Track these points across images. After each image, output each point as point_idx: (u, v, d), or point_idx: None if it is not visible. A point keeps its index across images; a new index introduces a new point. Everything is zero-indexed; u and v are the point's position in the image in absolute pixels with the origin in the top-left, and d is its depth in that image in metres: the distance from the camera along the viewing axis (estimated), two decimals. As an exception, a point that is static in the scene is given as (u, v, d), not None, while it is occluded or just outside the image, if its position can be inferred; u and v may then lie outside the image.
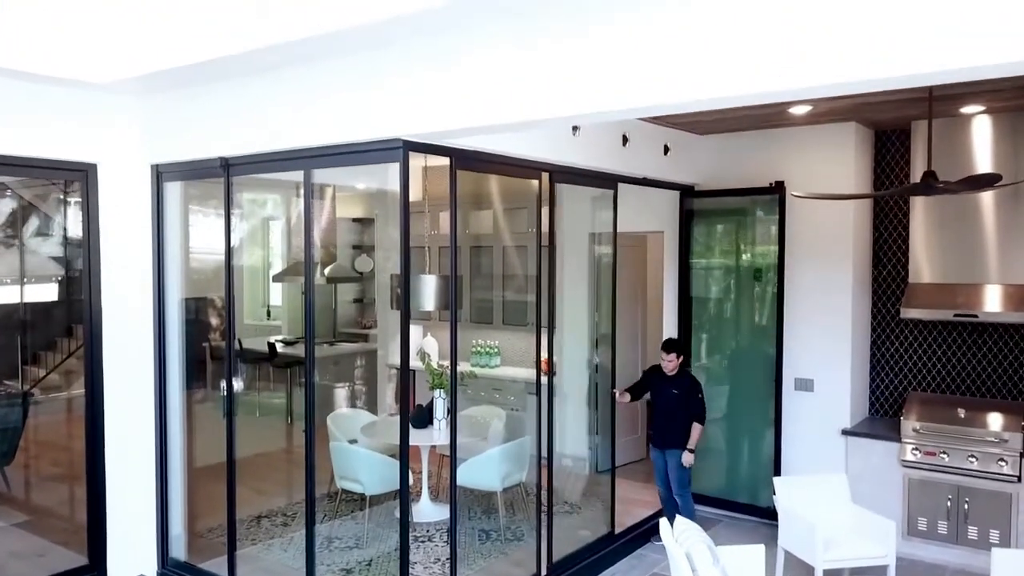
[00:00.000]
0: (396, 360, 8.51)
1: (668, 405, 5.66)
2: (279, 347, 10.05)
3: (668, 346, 5.72)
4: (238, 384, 10.02)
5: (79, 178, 4.88)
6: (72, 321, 10.45)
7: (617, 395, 5.88)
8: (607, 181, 5.53)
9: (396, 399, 8.89)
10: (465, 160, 4.22)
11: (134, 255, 5.10)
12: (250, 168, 4.56)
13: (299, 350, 10.19)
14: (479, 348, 8.23)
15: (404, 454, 4.20)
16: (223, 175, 4.65)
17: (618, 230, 7.05)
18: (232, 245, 4.85)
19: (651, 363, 6.14)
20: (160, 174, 5.01)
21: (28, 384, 9.85)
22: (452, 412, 4.84)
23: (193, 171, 4.88)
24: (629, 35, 2.98)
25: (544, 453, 5.23)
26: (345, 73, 3.91)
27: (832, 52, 2.55)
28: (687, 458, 5.58)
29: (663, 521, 4.33)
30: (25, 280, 9.84)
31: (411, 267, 4.27)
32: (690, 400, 5.59)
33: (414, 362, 8.60)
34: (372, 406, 8.98)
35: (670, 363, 5.62)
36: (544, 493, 5.22)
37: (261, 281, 11.88)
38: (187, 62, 4.01)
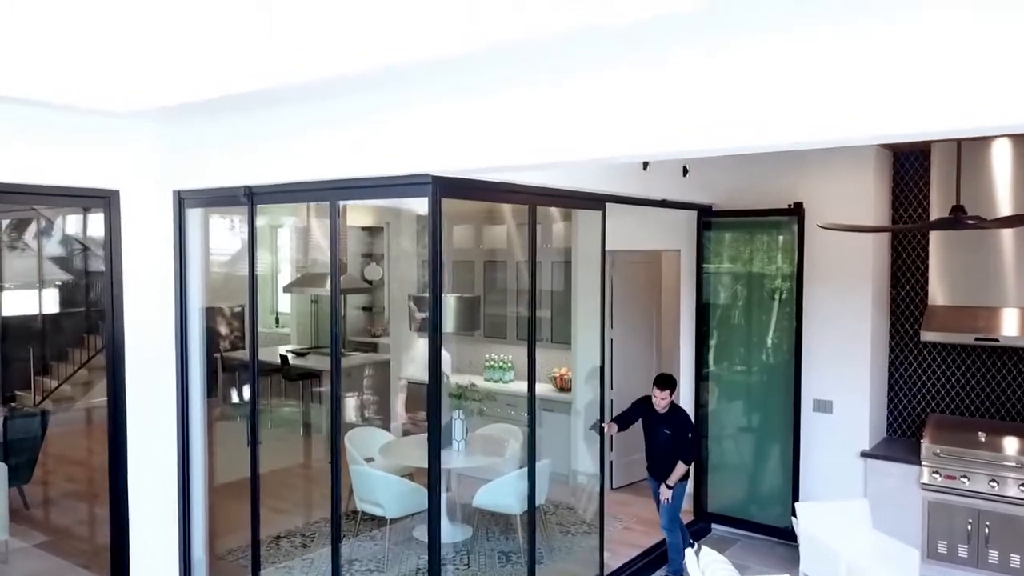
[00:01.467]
0: (410, 373, 8.61)
1: (659, 444, 5.56)
2: (290, 358, 10.06)
3: (662, 383, 5.50)
4: (248, 392, 10.06)
5: (101, 205, 4.87)
6: (82, 331, 10.46)
7: (606, 428, 5.65)
8: (593, 201, 5.25)
9: (405, 410, 8.90)
10: (475, 191, 4.20)
11: (156, 278, 5.08)
12: (275, 197, 4.56)
13: (310, 361, 10.21)
14: (493, 363, 8.24)
15: (435, 485, 4.17)
16: (247, 203, 4.64)
17: (634, 248, 7.09)
18: (255, 270, 4.84)
19: None
20: (182, 200, 5.00)
21: (39, 395, 9.87)
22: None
23: (216, 198, 4.87)
24: (657, 81, 2.97)
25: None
26: (374, 106, 3.89)
27: (881, 107, 2.55)
28: (664, 492, 5.47)
29: (689, 552, 4.34)
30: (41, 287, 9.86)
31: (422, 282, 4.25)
32: (678, 439, 5.50)
33: (426, 375, 8.62)
34: (384, 418, 8.97)
35: (663, 400, 5.46)
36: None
37: (269, 288, 11.89)
38: (211, 95, 4.00)
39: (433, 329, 4.03)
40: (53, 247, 10.22)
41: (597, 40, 3.03)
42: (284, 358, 9.60)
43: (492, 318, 8.19)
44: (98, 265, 10.44)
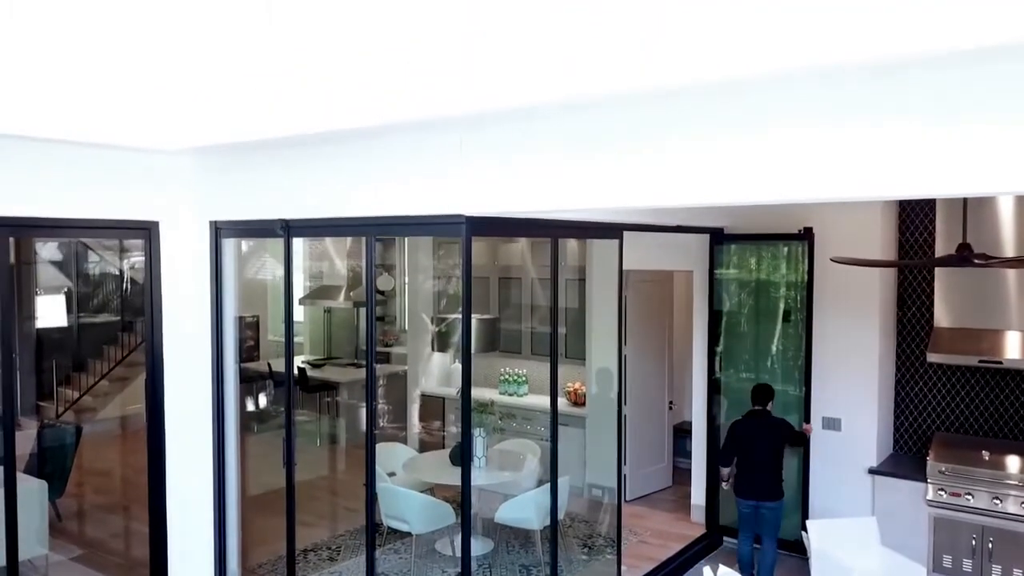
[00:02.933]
0: (426, 387, 8.82)
1: (757, 457, 5.82)
2: (305, 368, 10.27)
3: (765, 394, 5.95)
4: (264, 402, 10.27)
5: (143, 236, 5.09)
6: (101, 343, 10.67)
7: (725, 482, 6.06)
8: (611, 231, 5.46)
9: (420, 420, 9.11)
10: (502, 228, 4.41)
11: (192, 301, 5.30)
12: (312, 231, 4.77)
13: (327, 373, 10.42)
14: (507, 377, 8.44)
15: (466, 518, 4.36)
16: (284, 235, 4.84)
17: (647, 268, 7.29)
18: (291, 299, 5.05)
19: (675, 397, 6.33)
20: (219, 230, 5.21)
21: (62, 406, 10.08)
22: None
23: (252, 230, 5.08)
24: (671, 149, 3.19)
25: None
26: (412, 150, 4.10)
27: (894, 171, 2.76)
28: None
29: (706, 570, 4.55)
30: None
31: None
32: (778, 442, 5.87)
33: (443, 389, 8.84)
34: (401, 427, 9.16)
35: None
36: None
37: (282, 295, 12.09)
38: (250, 138, 4.21)
39: (466, 359, 4.23)
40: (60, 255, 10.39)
41: (621, 105, 3.25)
42: (303, 371, 9.80)
43: (507, 333, 8.39)
44: (111, 269, 10.64)
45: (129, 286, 10.73)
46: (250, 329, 11.19)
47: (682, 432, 8.15)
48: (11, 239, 4.53)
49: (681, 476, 7.86)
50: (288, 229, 4.81)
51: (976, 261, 4.13)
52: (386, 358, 11.05)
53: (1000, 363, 5.73)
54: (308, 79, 3.20)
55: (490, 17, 2.20)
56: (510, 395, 8.32)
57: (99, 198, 4.74)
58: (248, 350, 10.85)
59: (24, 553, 4.90)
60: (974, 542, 5.73)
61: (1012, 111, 2.50)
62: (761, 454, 5.77)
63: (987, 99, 2.55)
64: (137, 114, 4.36)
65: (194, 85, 4.27)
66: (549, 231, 4.72)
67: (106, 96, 4.23)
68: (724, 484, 6.10)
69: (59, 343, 10.54)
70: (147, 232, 5.09)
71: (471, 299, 4.22)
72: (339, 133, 4.07)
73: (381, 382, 10.29)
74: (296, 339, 12.48)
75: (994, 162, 2.55)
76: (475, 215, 4.03)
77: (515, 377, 8.39)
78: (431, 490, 6.59)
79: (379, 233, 4.45)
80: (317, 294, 10.58)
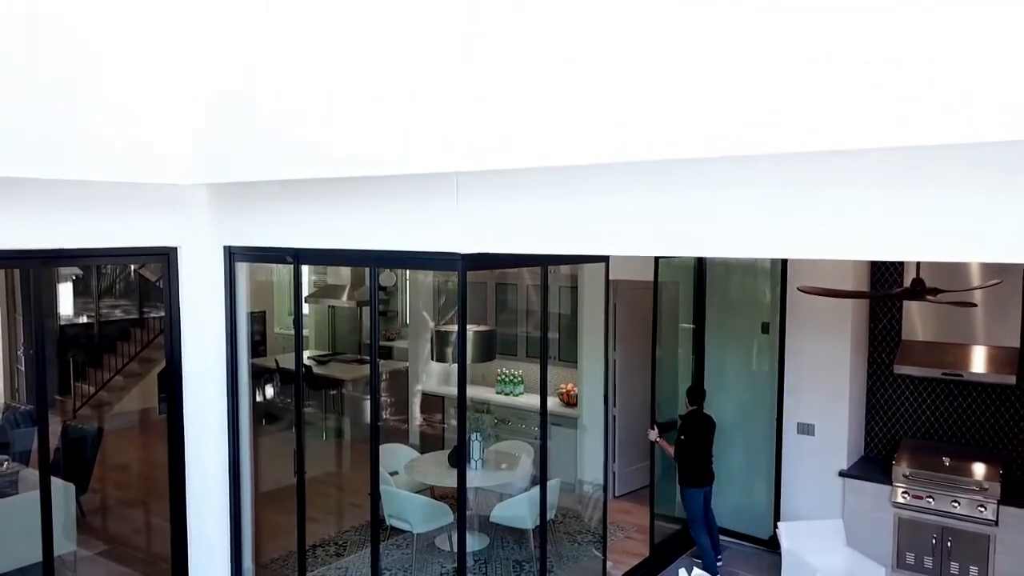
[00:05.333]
0: (428, 387, 9.25)
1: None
2: (311, 365, 10.70)
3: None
4: (271, 392, 10.70)
5: (162, 261, 5.48)
6: (115, 338, 11.10)
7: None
8: (600, 257, 5.92)
9: (420, 412, 9.54)
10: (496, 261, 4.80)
11: (209, 318, 5.70)
12: (319, 259, 5.16)
13: (332, 370, 10.85)
14: (504, 377, 8.87)
15: (462, 520, 4.80)
16: (293, 263, 5.24)
17: (636, 278, 7.68)
18: (301, 323, 5.45)
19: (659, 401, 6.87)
20: (232, 254, 5.60)
21: (79, 401, 10.53)
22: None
23: (263, 256, 5.47)
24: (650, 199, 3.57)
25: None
26: (412, 192, 4.47)
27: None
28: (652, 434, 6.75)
29: (681, 572, 4.99)
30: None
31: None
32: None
33: (444, 388, 9.27)
34: (403, 421, 9.60)
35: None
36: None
37: (288, 290, 12.50)
38: (264, 177, 4.60)
39: (461, 380, 4.64)
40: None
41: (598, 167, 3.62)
42: (308, 368, 10.23)
43: (503, 336, 8.80)
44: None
45: (138, 284, 11.15)
46: (257, 323, 11.57)
47: (669, 431, 8.57)
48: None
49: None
50: (298, 257, 5.20)
51: (928, 297, 4.51)
52: (388, 353, 11.48)
53: (961, 376, 6.14)
54: (314, 138, 3.59)
55: (477, 97, 2.58)
56: (506, 395, 8.75)
57: (123, 228, 5.11)
58: (255, 345, 11.26)
59: (56, 550, 5.33)
60: (934, 541, 6.17)
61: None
62: (707, 446, 6.45)
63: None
64: (156, 155, 4.76)
65: (211, 132, 4.65)
66: (540, 261, 5.11)
67: (134, 140, 4.62)
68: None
69: (75, 339, 10.97)
70: (166, 257, 5.49)
71: (465, 327, 4.61)
72: (346, 179, 4.44)
73: (384, 377, 10.73)
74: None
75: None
76: (470, 252, 4.42)
77: (511, 378, 8.81)
78: (431, 488, 7.04)
79: (381, 264, 4.84)
80: (321, 293, 10.98)
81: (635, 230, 3.69)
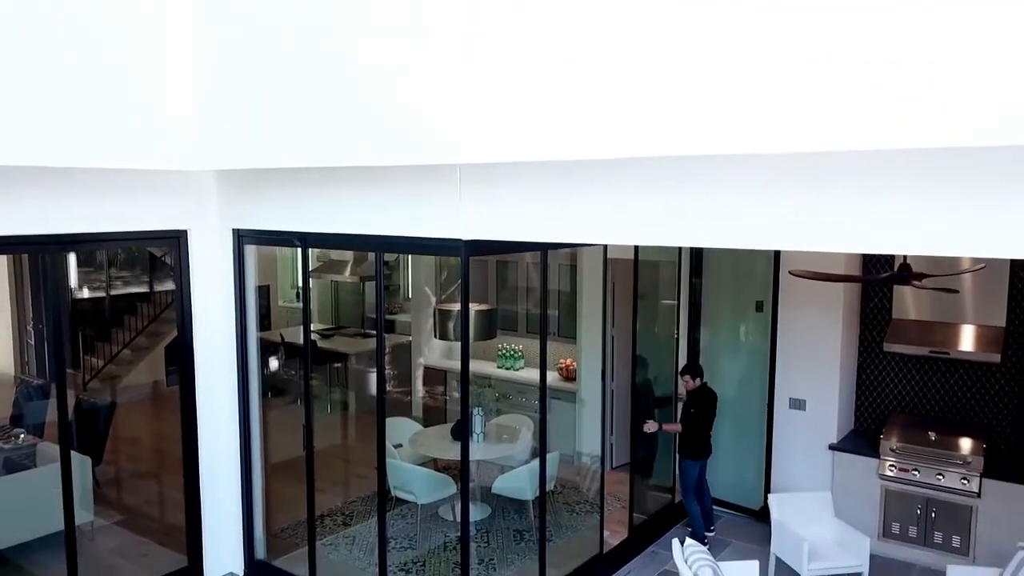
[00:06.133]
0: (430, 361, 9.46)
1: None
2: (316, 339, 10.89)
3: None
4: (275, 365, 10.92)
5: (174, 244, 5.65)
6: (123, 313, 11.30)
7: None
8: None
9: (423, 385, 9.76)
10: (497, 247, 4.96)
11: (219, 297, 5.88)
12: (326, 243, 5.32)
13: (335, 343, 11.07)
14: (505, 351, 9.07)
15: (465, 486, 5.02)
16: (301, 246, 5.40)
17: (632, 258, 7.83)
18: (309, 305, 5.62)
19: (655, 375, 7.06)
20: (241, 237, 5.76)
21: (88, 374, 10.75)
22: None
23: (271, 239, 5.63)
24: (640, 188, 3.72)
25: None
26: (416, 180, 4.62)
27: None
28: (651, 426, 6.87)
29: (675, 542, 5.23)
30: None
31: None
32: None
33: (446, 362, 9.48)
34: (406, 394, 9.83)
35: (684, 385, 6.72)
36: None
37: (291, 264, 12.68)
38: (270, 165, 4.74)
39: (464, 366, 4.83)
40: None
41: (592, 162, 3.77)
42: (313, 342, 10.39)
43: (504, 312, 8.99)
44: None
45: (146, 259, 11.31)
46: (261, 298, 11.77)
47: (664, 405, 8.80)
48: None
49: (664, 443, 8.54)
50: (305, 241, 5.36)
51: (914, 282, 4.68)
52: (391, 326, 11.68)
53: (947, 353, 6.33)
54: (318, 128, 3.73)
55: (480, 94, 2.72)
56: (507, 369, 8.96)
57: (134, 212, 5.29)
58: (260, 319, 11.45)
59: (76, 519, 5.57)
60: (919, 512, 6.42)
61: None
62: (709, 419, 6.76)
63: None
64: (169, 142, 4.90)
65: (219, 121, 4.78)
66: (540, 246, 5.26)
67: (144, 129, 4.76)
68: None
69: (84, 313, 11.17)
70: (177, 240, 5.65)
71: (468, 312, 4.79)
72: (353, 169, 4.59)
73: (387, 350, 10.94)
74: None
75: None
76: (471, 238, 4.58)
77: (512, 352, 9.02)
78: (434, 460, 7.28)
79: (386, 249, 5.00)
80: (325, 268, 11.12)
81: (631, 220, 3.84)
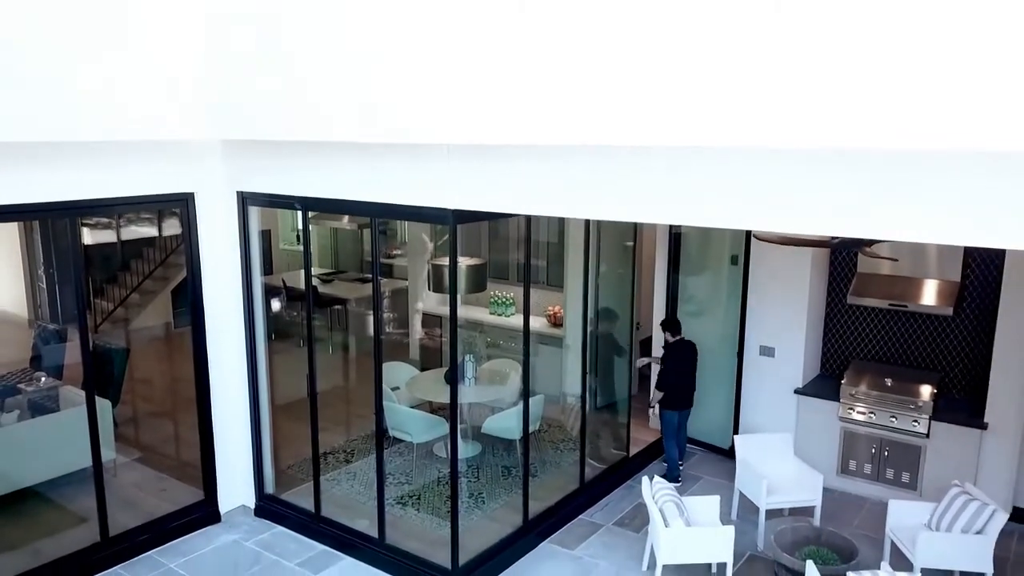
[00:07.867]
0: (427, 308, 9.93)
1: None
2: (317, 284, 11.34)
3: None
4: (277, 306, 11.41)
5: (181, 205, 6.03)
6: (129, 258, 11.71)
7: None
8: None
9: (421, 327, 10.25)
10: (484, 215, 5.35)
11: (225, 253, 6.30)
12: (325, 207, 5.69)
13: (335, 288, 11.52)
14: (496, 299, 9.54)
15: (453, 427, 5.54)
16: (301, 209, 5.79)
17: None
18: (310, 265, 6.04)
19: (640, 318, 7.57)
20: (245, 199, 6.14)
21: (99, 317, 11.24)
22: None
23: (274, 201, 6.01)
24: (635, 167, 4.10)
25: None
26: (408, 154, 4.98)
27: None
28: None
29: (644, 479, 5.79)
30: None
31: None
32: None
33: (441, 308, 9.95)
34: (404, 335, 10.34)
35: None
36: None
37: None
38: (274, 137, 5.09)
39: (452, 324, 5.28)
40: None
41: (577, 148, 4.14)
42: (314, 288, 10.84)
43: (496, 261, 9.41)
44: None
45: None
46: (263, 242, 12.17)
47: (646, 348, 9.32)
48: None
49: (644, 384, 9.09)
50: (304, 205, 5.75)
51: (865, 249, 5.08)
52: (388, 271, 12.12)
53: (905, 306, 6.79)
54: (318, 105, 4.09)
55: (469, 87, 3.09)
56: (499, 315, 9.44)
57: (143, 178, 5.67)
58: (263, 264, 11.88)
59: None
60: (873, 451, 6.99)
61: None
62: (691, 371, 7.20)
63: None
64: (176, 116, 5.25)
65: (221, 93, 5.12)
66: (526, 216, 5.65)
67: (150, 107, 5.10)
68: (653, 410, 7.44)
69: (92, 259, 11.57)
70: (184, 202, 6.04)
71: (456, 278, 5.21)
72: (349, 143, 4.95)
73: (386, 294, 11.42)
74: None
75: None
76: (458, 208, 4.97)
77: (503, 300, 9.48)
78: (429, 403, 7.82)
79: (381, 215, 5.39)
80: (324, 215, 11.49)
81: (610, 197, 4.23)
